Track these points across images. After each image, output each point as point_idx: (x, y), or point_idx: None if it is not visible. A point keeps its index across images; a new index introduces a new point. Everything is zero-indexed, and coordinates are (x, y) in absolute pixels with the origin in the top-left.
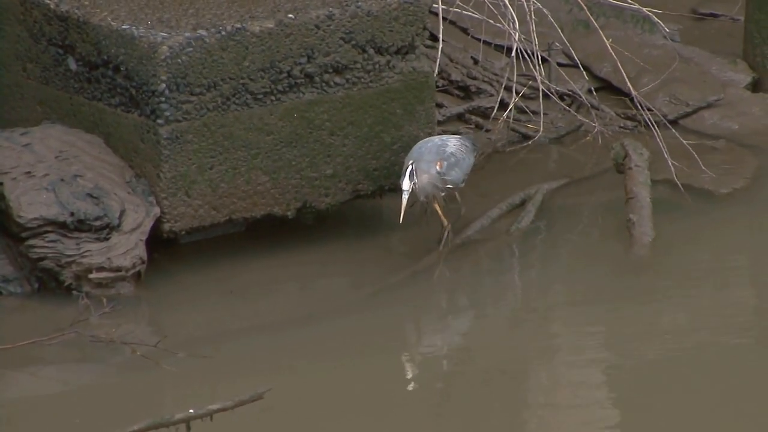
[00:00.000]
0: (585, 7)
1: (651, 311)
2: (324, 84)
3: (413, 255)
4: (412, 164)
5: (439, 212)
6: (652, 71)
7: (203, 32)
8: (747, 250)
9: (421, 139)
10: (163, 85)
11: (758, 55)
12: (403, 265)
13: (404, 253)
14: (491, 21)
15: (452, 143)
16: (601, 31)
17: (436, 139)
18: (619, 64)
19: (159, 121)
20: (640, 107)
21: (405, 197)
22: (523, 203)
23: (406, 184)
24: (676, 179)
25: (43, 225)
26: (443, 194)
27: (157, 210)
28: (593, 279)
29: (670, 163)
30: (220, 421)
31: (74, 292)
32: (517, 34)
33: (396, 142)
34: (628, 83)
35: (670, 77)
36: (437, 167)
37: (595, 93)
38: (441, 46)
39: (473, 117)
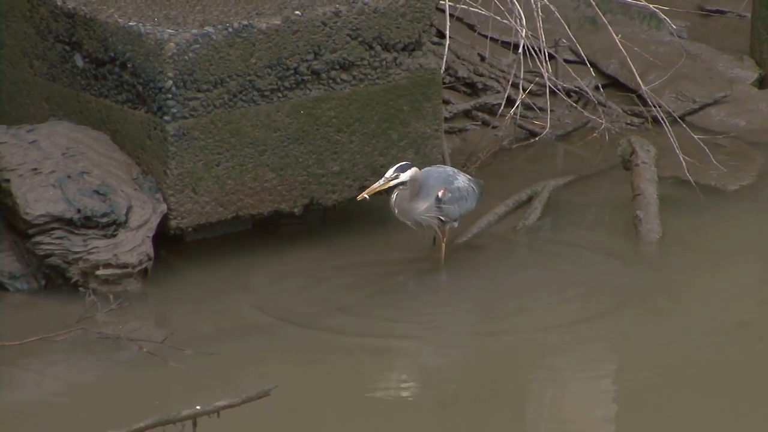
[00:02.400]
0: (593, 3)
1: (658, 309)
2: (331, 81)
3: (419, 254)
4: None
5: (443, 249)
6: (659, 68)
7: (210, 29)
8: (755, 247)
9: (429, 136)
10: (170, 82)
11: (765, 51)
12: (408, 264)
13: (410, 252)
14: (498, 18)
15: (462, 179)
16: (609, 27)
17: (449, 169)
18: (628, 59)
19: (166, 117)
20: (649, 103)
21: (380, 182)
22: (529, 200)
23: (390, 172)
24: (687, 174)
25: (50, 222)
26: (437, 227)
27: (163, 207)
28: (600, 276)
29: (681, 159)
30: (227, 418)
31: (81, 289)
32: (524, 31)
33: (403, 138)
34: (638, 78)
35: (676, 74)
36: (440, 194)
37: (602, 89)
38: (448, 42)
39: (480, 114)
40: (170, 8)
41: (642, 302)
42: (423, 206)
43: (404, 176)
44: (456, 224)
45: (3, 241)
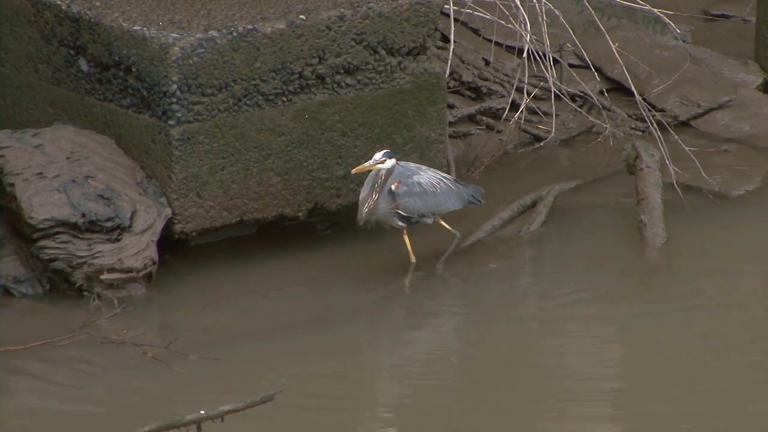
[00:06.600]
0: (593, 9)
1: (662, 313)
2: (335, 85)
3: (423, 258)
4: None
5: (407, 245)
6: (664, 72)
7: (215, 33)
8: (759, 252)
9: (433, 141)
10: (175, 86)
11: None
12: (412, 269)
13: (414, 256)
14: (503, 22)
15: (428, 175)
16: (607, 35)
17: (413, 165)
18: (633, 64)
19: (170, 122)
20: (653, 108)
21: (370, 162)
22: (534, 205)
23: (378, 155)
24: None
25: (55, 226)
26: (401, 223)
27: (168, 211)
28: (605, 281)
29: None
30: (231, 423)
31: (85, 294)
32: (528, 35)
33: (407, 143)
34: (643, 83)
35: (681, 78)
36: (393, 187)
37: (606, 94)
38: (452, 47)
39: (484, 118)
40: (175, 12)
41: (646, 307)
42: (382, 203)
43: (389, 163)
44: (429, 221)
45: (7, 245)
